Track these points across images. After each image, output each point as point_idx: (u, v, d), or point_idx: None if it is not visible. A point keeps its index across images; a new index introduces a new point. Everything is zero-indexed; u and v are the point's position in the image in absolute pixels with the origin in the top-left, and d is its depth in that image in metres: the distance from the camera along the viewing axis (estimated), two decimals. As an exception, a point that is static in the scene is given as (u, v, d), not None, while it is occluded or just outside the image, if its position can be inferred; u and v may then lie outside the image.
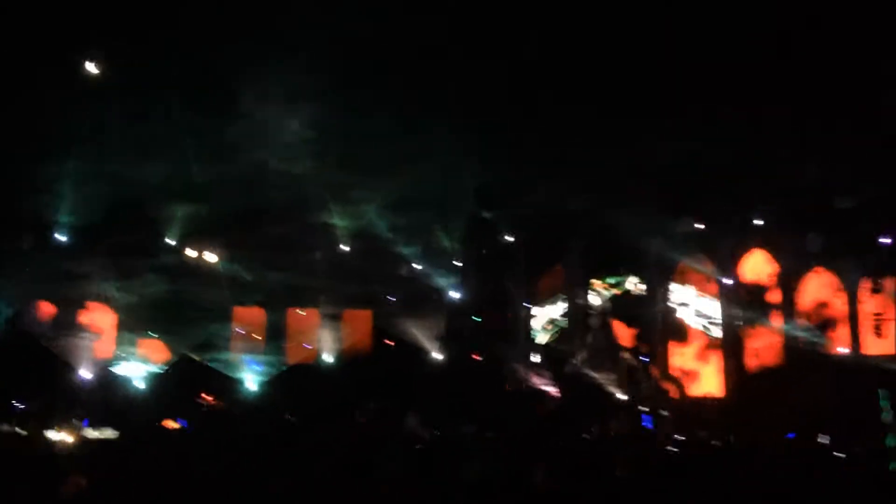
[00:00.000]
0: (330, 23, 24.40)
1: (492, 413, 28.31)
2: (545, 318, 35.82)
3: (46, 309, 33.53)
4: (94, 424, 26.16)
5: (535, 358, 33.94)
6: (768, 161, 28.52)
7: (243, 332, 34.12)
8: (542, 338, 35.68)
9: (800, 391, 27.02)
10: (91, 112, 26.39)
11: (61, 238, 31.87)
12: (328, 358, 33.93)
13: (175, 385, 30.97)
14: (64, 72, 25.67)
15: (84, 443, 22.25)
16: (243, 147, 28.00)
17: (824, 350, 31.45)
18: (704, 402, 32.23)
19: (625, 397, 31.96)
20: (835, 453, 18.51)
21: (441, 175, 28.29)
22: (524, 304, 35.00)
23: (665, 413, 29.95)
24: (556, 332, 35.66)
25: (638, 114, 26.62)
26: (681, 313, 34.05)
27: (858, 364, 29.97)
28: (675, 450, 19.86)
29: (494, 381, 31.43)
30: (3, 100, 25.48)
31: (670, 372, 33.59)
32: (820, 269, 32.28)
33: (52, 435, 24.02)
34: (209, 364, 32.90)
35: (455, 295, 33.79)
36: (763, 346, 32.66)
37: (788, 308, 32.46)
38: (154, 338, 33.35)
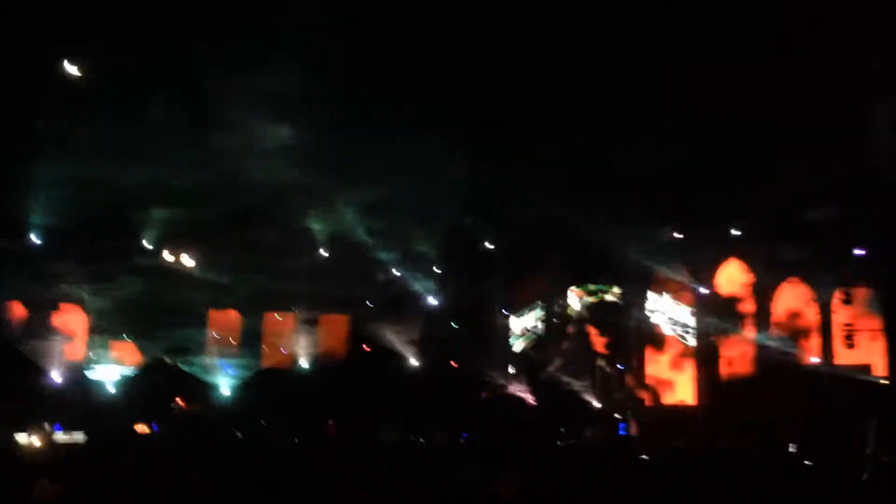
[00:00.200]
0: (307, 27, 24.32)
1: (468, 420, 28.36)
2: (523, 325, 35.92)
3: (18, 310, 33.03)
4: (66, 428, 25.84)
5: (512, 365, 33.99)
6: (745, 173, 28.82)
7: (218, 336, 33.82)
8: (519, 345, 35.76)
9: (772, 400, 27.30)
10: (67, 114, 26.06)
11: (34, 239, 31.41)
12: (304, 363, 33.74)
13: (148, 389, 30.67)
14: (37, 75, 25.38)
15: (53, 447, 21.96)
16: (220, 151, 27.77)
17: (797, 360, 31.79)
18: (678, 410, 32.47)
19: (600, 405, 32.11)
20: (805, 462, 18.72)
21: (421, 181, 28.25)
22: (503, 310, 35.07)
23: (639, 420, 30.11)
24: (534, 339, 35.76)
25: (618, 125, 26.80)
26: (657, 322, 34.28)
27: (830, 374, 30.31)
28: (648, 457, 19.99)
29: (471, 388, 31.45)
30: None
31: (646, 380, 33.79)
32: (794, 280, 32.65)
33: (22, 439, 23.68)
34: (183, 368, 32.60)
35: (433, 301, 33.76)
36: (737, 356, 32.96)
37: (762, 318, 32.79)
38: (127, 341, 32.97)
